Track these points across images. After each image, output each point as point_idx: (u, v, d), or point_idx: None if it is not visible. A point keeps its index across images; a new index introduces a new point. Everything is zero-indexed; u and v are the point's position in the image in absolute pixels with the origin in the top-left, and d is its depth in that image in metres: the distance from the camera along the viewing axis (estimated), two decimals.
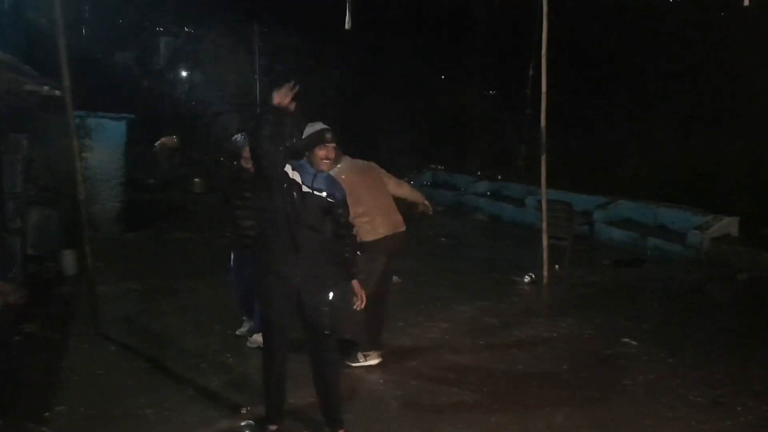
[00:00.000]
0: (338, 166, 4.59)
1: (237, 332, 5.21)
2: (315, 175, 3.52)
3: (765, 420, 4.03)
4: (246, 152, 4.36)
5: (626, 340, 5.43)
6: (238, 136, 4.82)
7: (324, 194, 3.53)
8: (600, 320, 5.98)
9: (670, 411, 4.13)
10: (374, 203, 4.63)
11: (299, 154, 3.59)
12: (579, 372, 4.76)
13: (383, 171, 4.91)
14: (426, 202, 5.16)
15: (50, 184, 7.61)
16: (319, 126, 3.59)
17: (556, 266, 7.59)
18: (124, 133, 9.32)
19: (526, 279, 7.35)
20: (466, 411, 4.11)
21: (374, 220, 4.58)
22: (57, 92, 6.37)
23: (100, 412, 3.95)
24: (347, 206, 3.73)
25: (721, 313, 6.43)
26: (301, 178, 3.49)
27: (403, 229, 4.77)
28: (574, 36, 13.69)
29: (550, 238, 7.39)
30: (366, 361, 4.68)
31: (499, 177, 14.04)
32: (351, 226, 3.82)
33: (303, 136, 3.56)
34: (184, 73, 19.86)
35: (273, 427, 3.70)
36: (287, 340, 3.66)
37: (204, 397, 4.20)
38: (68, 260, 7.00)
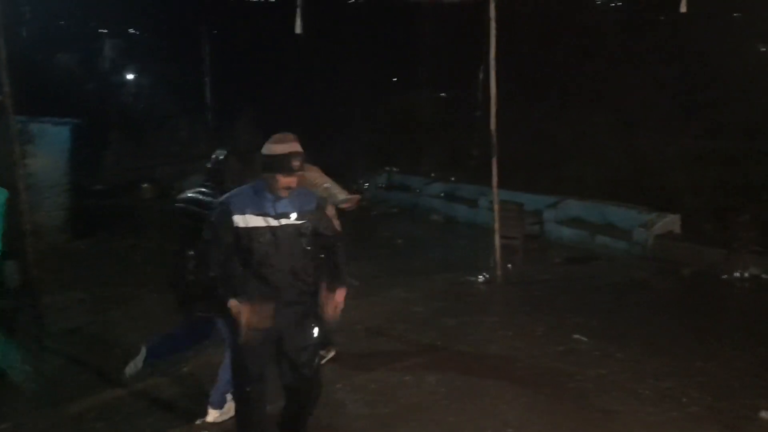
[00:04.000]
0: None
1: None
2: (275, 201, 3.07)
3: (710, 410, 4.20)
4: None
5: (577, 336, 5.56)
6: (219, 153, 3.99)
7: (294, 216, 3.10)
8: (552, 317, 6.11)
9: (620, 404, 4.26)
10: None
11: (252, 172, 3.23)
12: (532, 369, 4.86)
13: (323, 175, 4.70)
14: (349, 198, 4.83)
15: None
16: (286, 145, 3.05)
17: (509, 265, 7.72)
18: (69, 138, 9.04)
19: (480, 278, 7.46)
20: (423, 411, 4.15)
21: None
22: None
23: (48, 427, 3.82)
24: (325, 213, 3.40)
25: (667, 307, 6.66)
26: (258, 208, 3.05)
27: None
28: (520, 39, 13.96)
29: (502, 237, 7.51)
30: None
31: (452, 178, 14.18)
32: (337, 232, 3.48)
33: (265, 151, 3.06)
34: (130, 76, 19.39)
35: None
36: (266, 391, 3.30)
37: (157, 409, 4.11)
38: (10, 271, 6.71)
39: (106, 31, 19.41)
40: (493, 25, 6.86)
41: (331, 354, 4.80)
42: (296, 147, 3.04)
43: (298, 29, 5.98)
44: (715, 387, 4.52)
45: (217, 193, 3.56)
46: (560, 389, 4.52)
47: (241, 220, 3.04)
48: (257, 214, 3.05)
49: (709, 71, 12.29)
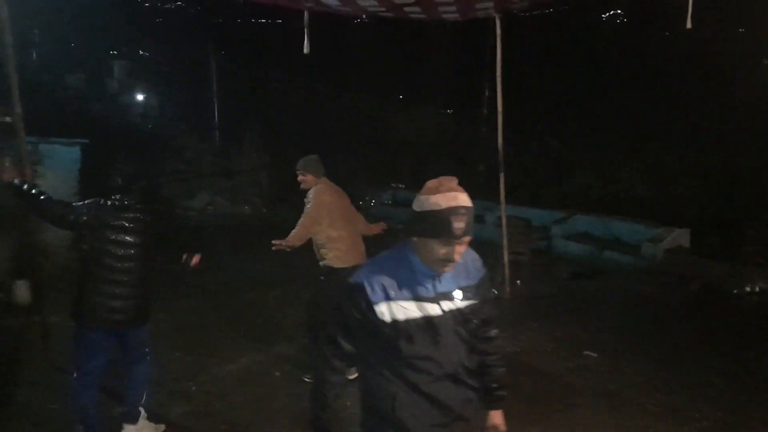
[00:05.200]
0: (320, 184, 4.59)
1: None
2: (433, 277, 2.07)
3: (720, 425, 4.16)
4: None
5: (587, 352, 5.53)
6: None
7: (458, 297, 2.11)
8: (561, 333, 6.08)
9: (630, 420, 4.23)
10: (347, 230, 4.56)
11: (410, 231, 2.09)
12: (542, 385, 4.83)
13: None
14: (376, 227, 4.92)
15: None
16: (450, 196, 1.97)
17: (517, 281, 7.70)
18: (78, 159, 9.14)
19: None
20: None
21: (346, 247, 4.50)
22: (7, 118, 6.21)
23: None
24: (490, 284, 2.35)
25: (675, 322, 6.62)
26: (409, 289, 2.04)
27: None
28: (526, 55, 14.06)
29: (510, 253, 7.50)
30: None
31: None
32: (495, 315, 2.33)
33: (418, 206, 2.03)
34: (139, 97, 19.61)
35: None
36: None
37: (165, 427, 4.09)
38: (20, 290, 6.76)
39: (115, 52, 19.68)
40: (499, 43, 6.91)
41: None
42: (465, 199, 2.00)
43: (306, 49, 6.05)
44: (726, 402, 4.49)
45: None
46: (571, 405, 4.49)
47: (386, 311, 2.02)
48: (409, 299, 2.04)
49: (715, 85, 12.34)
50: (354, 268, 4.43)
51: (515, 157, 8.20)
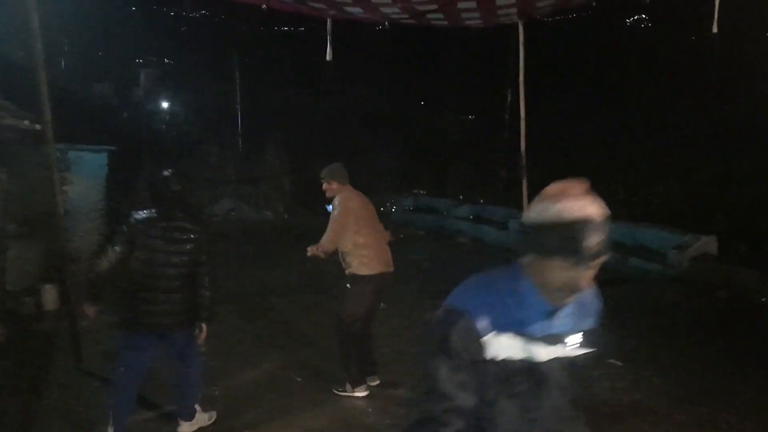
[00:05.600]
0: (345, 191, 4.59)
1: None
2: (549, 312, 1.65)
3: None
4: None
5: (612, 360, 5.46)
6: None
7: (573, 342, 1.71)
8: None
9: (656, 430, 4.16)
10: (374, 237, 4.54)
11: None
12: None
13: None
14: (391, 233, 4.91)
15: (28, 218, 7.53)
16: (584, 203, 1.58)
17: None
18: (105, 165, 9.30)
19: None
20: None
21: (372, 254, 4.47)
22: (37, 126, 6.37)
23: None
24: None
25: (702, 330, 6.51)
26: (516, 323, 1.62)
27: (392, 269, 4.65)
28: (550, 60, 13.99)
29: None
30: (353, 392, 4.62)
31: (481, 200, 14.16)
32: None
33: (539, 215, 1.60)
34: (164, 104, 19.90)
35: None
36: None
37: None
38: (48, 295, 6.90)
39: (140, 60, 20.00)
40: (522, 48, 6.89)
41: None
42: (598, 208, 1.60)
43: (328, 56, 6.09)
44: (754, 412, 4.40)
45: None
46: (595, 415, 4.43)
47: (496, 345, 1.61)
48: (514, 335, 1.62)
49: (744, 90, 12.13)
50: (380, 276, 4.48)
51: (538, 163, 8.11)
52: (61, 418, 4.29)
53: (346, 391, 4.61)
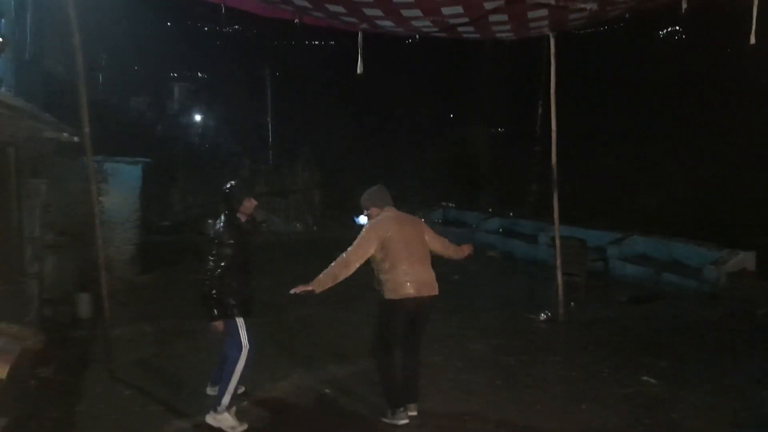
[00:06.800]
0: (382, 214, 4.50)
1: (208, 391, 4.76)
2: None
3: None
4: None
5: (645, 378, 5.34)
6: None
7: None
8: (618, 358, 5.89)
9: None
10: (409, 261, 4.33)
11: None
12: (598, 412, 4.68)
13: (428, 227, 4.65)
14: (465, 249, 4.76)
15: (66, 228, 7.72)
16: None
17: (572, 303, 7.52)
18: (140, 177, 9.49)
19: (542, 317, 7.28)
20: None
21: (399, 277, 4.28)
22: (75, 138, 6.54)
23: None
24: None
25: (741, 349, 6.32)
26: None
27: (434, 293, 4.39)
28: (581, 73, 13.86)
29: (564, 274, 7.34)
30: (393, 419, 4.40)
31: (511, 214, 14.05)
32: None
33: None
34: (197, 117, 20.26)
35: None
36: None
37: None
38: (83, 303, 7.04)
39: (175, 75, 20.43)
40: (553, 61, 6.85)
41: None
42: None
43: (359, 69, 6.13)
44: None
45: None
46: None
47: None
48: None
49: None
50: (412, 300, 4.32)
51: (569, 176, 8.04)
52: (95, 426, 4.35)
53: (387, 418, 4.42)
